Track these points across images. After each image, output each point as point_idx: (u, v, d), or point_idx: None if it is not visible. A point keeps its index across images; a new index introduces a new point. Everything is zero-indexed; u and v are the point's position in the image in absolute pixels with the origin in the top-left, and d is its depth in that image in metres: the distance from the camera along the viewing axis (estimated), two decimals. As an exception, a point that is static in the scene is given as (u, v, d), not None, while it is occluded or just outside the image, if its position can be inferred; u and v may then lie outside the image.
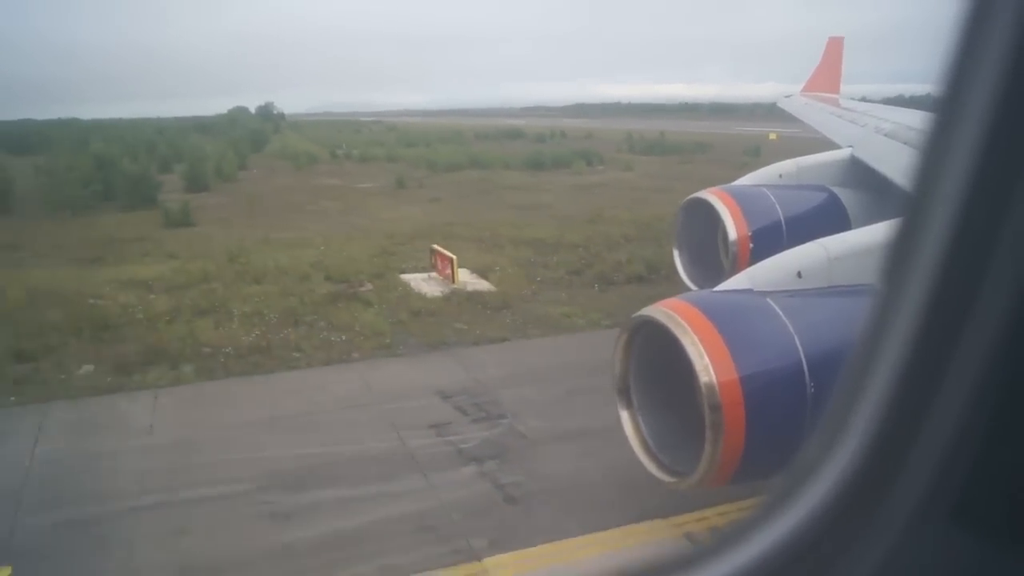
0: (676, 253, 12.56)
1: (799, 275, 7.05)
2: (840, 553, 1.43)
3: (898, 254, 1.43)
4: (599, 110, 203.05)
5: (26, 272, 22.54)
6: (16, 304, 18.71)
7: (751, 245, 10.98)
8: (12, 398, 13.55)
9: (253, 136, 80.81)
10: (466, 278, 20.68)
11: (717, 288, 7.32)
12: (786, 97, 24.70)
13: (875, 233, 7.19)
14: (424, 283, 20.41)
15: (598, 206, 33.21)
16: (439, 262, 20.89)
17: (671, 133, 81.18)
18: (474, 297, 19.14)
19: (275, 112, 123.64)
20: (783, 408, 6.18)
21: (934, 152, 1.37)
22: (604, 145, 70.10)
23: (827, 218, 11.27)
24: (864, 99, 25.29)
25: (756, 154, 53.30)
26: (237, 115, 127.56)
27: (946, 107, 1.32)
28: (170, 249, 26.18)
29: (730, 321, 6.43)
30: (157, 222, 32.19)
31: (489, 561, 8.64)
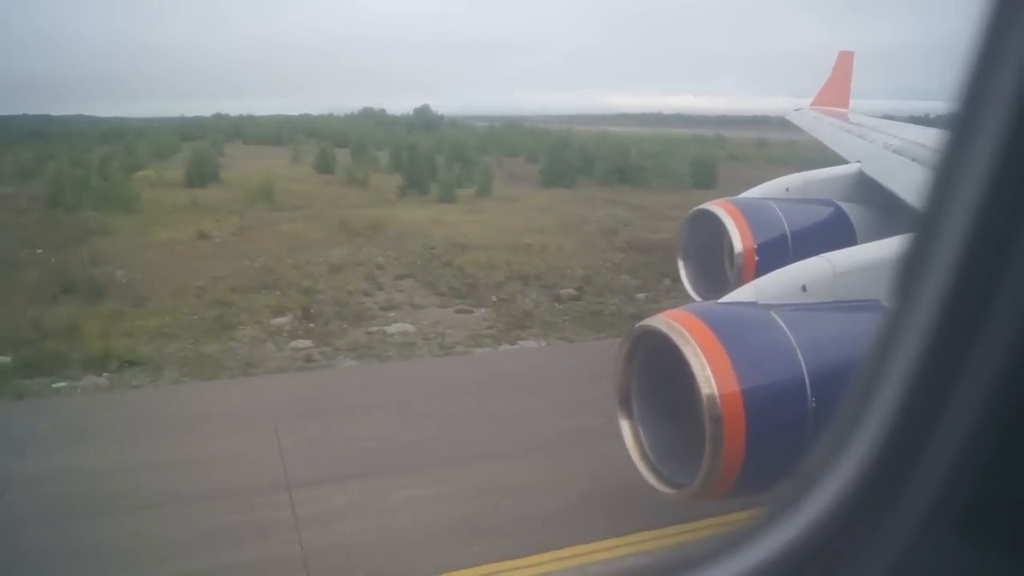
0: (681, 264, 12.55)
1: (804, 289, 7.04)
2: (844, 561, 1.43)
3: (910, 267, 1.43)
4: (651, 120, 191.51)
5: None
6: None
7: (756, 258, 10.96)
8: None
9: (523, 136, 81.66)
10: None
11: (721, 300, 7.31)
12: (795, 110, 24.69)
13: (881, 249, 7.17)
14: None
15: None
16: None
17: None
18: None
19: (433, 115, 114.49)
20: (784, 422, 6.16)
21: (947, 168, 1.36)
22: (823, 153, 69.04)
23: (833, 232, 11.24)
24: (887, 116, 25.27)
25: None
26: (371, 115, 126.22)
27: (960, 124, 1.32)
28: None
29: (733, 333, 6.42)
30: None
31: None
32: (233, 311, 19.44)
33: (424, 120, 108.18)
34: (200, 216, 33.35)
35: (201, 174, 44.12)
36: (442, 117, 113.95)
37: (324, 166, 53.38)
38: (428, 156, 49.84)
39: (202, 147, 53.82)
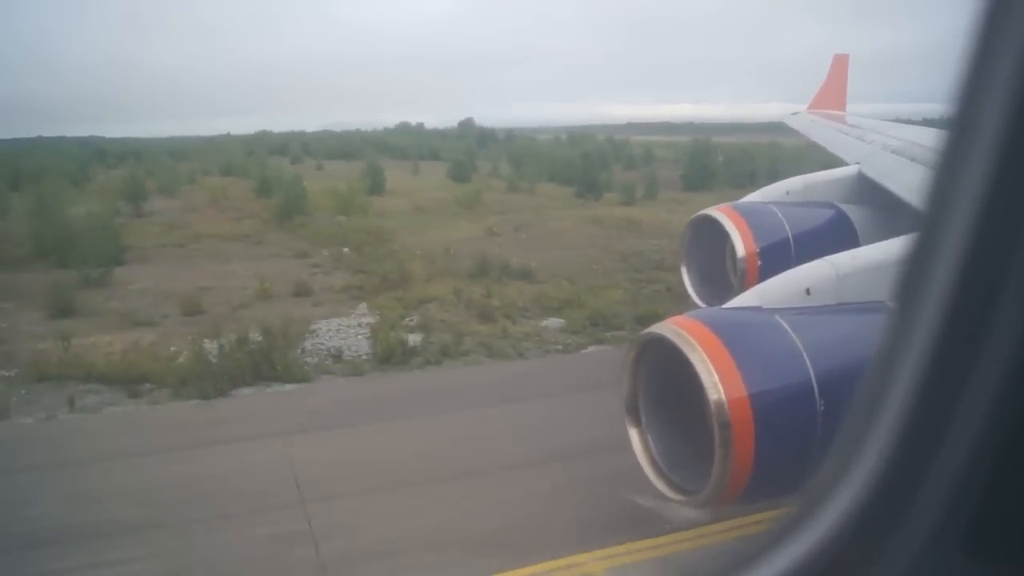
0: (684, 271, 12.53)
1: (808, 292, 7.03)
2: None
3: (912, 272, 1.42)
4: (662, 128, 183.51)
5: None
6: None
7: (759, 262, 10.94)
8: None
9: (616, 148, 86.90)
10: None
11: (726, 305, 7.31)
12: (793, 115, 24.73)
13: (884, 250, 7.17)
14: None
15: None
16: None
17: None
18: None
19: (479, 127, 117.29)
20: (792, 426, 6.14)
21: (948, 169, 1.37)
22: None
23: (835, 235, 11.24)
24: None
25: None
26: (408, 130, 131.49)
27: (959, 125, 1.32)
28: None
29: (739, 338, 6.41)
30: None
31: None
32: (656, 285, 23.19)
33: (476, 133, 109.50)
34: (435, 218, 36.38)
35: (378, 185, 51.03)
36: (493, 129, 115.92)
37: (462, 176, 58.41)
38: (602, 164, 54.98)
39: (371, 161, 59.77)
